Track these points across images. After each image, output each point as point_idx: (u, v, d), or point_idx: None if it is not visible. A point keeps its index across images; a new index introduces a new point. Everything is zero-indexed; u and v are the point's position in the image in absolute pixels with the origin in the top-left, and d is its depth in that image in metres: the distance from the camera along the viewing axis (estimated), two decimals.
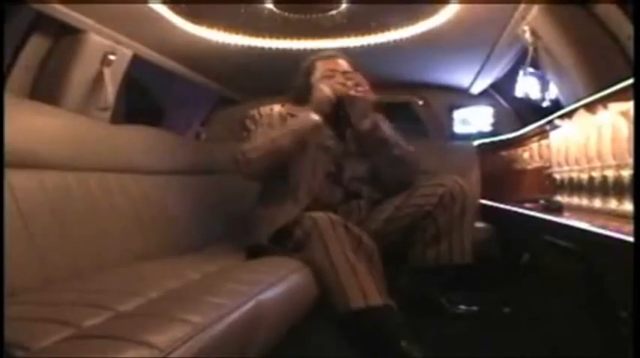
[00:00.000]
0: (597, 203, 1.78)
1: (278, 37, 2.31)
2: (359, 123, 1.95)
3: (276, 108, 2.04)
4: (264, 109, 2.03)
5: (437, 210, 1.88)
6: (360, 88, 1.91)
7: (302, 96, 2.05)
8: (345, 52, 2.14)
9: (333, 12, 2.04)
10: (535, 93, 2.34)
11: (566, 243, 1.61)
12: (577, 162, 1.95)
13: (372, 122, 1.94)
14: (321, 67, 2.05)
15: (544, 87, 2.30)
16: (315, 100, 1.92)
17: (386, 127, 1.99)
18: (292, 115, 1.99)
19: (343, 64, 2.06)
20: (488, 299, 2.00)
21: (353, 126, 1.98)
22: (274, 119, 1.99)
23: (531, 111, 2.73)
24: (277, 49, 2.37)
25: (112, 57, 2.08)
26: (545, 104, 2.46)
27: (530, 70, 2.28)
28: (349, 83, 1.95)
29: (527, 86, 2.38)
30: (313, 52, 2.21)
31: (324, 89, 1.92)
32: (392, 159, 1.97)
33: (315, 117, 1.89)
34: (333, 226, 1.66)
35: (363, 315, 1.54)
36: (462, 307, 1.96)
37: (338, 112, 1.96)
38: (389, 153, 1.96)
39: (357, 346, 1.56)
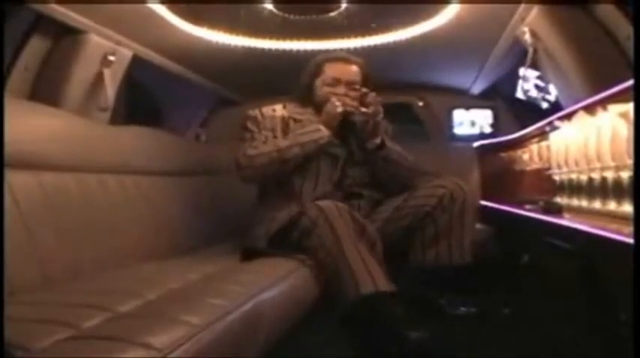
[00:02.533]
0: (597, 204, 1.78)
1: (278, 38, 2.31)
2: (366, 141, 1.97)
3: (278, 109, 2.03)
4: (266, 110, 2.02)
5: (436, 211, 1.89)
6: (363, 109, 1.91)
7: (305, 96, 2.05)
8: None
9: (333, 13, 2.04)
10: (535, 95, 2.34)
11: (565, 245, 1.61)
12: (576, 164, 1.95)
13: (379, 142, 1.96)
14: (327, 71, 2.03)
15: (544, 88, 2.31)
16: (325, 114, 1.93)
17: (391, 145, 2.00)
18: (295, 119, 1.99)
19: (350, 71, 2.03)
20: (488, 301, 2.00)
21: (360, 140, 1.99)
22: (277, 123, 1.98)
23: (531, 112, 2.73)
24: (277, 50, 2.37)
25: (111, 58, 2.08)
26: (544, 105, 2.47)
27: (530, 71, 2.28)
28: (351, 94, 1.96)
29: (527, 87, 2.39)
30: (314, 52, 2.21)
31: (336, 105, 1.92)
32: (393, 174, 2.00)
33: (326, 132, 1.90)
34: (340, 212, 1.66)
35: (371, 300, 1.54)
36: (462, 308, 1.95)
37: (344, 123, 1.96)
38: (391, 169, 1.99)
39: (365, 330, 1.56)
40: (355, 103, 1.93)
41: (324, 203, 1.71)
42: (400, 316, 1.55)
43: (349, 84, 2.00)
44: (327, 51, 2.20)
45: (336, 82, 2.00)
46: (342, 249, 1.60)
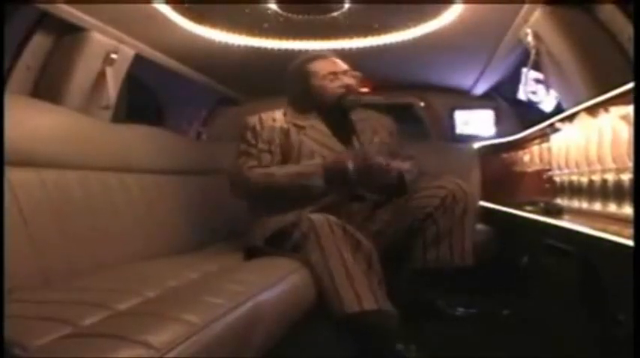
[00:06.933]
0: (597, 206, 1.78)
1: (280, 38, 2.31)
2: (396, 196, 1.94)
3: (279, 119, 1.99)
4: (266, 118, 1.98)
5: (438, 212, 1.88)
6: (365, 89, 1.92)
7: (306, 102, 2.03)
8: (347, 54, 2.14)
9: (336, 13, 2.04)
10: (536, 96, 2.34)
11: (565, 246, 1.61)
12: (577, 166, 1.95)
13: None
14: (320, 70, 2.02)
15: (545, 89, 2.31)
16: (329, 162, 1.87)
17: (410, 178, 1.95)
18: (298, 126, 1.97)
19: (337, 62, 2.05)
20: (488, 302, 2.00)
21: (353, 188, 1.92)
22: (275, 135, 1.95)
23: (532, 113, 2.73)
24: (279, 50, 2.37)
25: (114, 56, 2.09)
26: (546, 107, 2.47)
27: (532, 72, 2.28)
28: (353, 81, 1.99)
29: (528, 89, 2.38)
30: (302, 54, 2.19)
31: (337, 87, 1.97)
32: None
33: (320, 182, 1.84)
34: (331, 228, 1.64)
35: (357, 319, 1.54)
36: (462, 309, 1.95)
37: (344, 123, 1.95)
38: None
39: (353, 349, 1.56)
40: (355, 82, 1.98)
41: (317, 218, 1.68)
42: (389, 333, 1.55)
43: (346, 71, 2.02)
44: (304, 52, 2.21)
45: (335, 74, 2.01)
46: (329, 268, 1.58)
